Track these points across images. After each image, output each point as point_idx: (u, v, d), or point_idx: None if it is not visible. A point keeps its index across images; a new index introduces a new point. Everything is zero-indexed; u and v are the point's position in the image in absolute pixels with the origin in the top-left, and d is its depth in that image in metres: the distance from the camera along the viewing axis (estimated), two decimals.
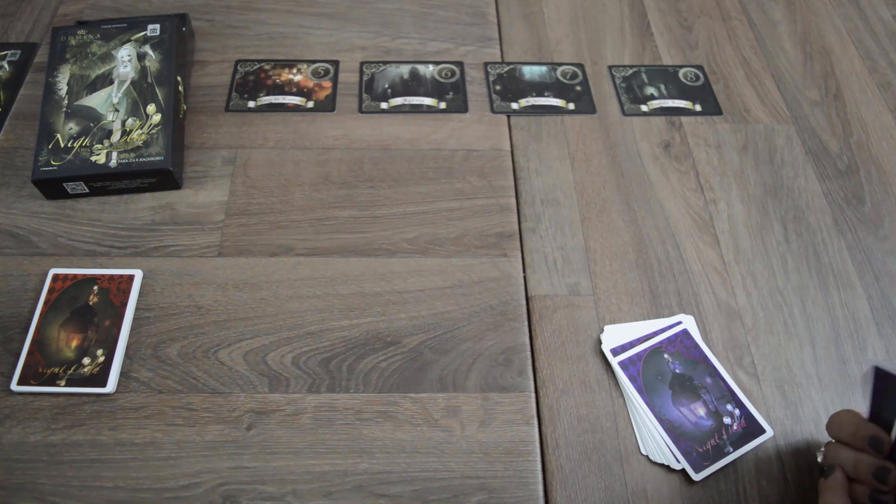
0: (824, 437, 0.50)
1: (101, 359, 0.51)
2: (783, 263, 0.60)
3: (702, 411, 0.50)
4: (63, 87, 0.62)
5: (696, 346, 0.53)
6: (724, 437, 0.49)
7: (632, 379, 0.51)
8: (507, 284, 0.57)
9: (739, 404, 0.51)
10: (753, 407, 0.51)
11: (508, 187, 0.63)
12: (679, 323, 0.54)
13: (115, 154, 0.59)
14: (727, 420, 0.50)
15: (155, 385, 0.51)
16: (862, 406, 0.51)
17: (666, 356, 0.53)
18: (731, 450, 0.49)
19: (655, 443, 0.49)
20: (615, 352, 0.52)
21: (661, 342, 0.53)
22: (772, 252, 0.60)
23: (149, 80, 0.63)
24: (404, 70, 0.72)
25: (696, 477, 0.48)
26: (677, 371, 0.52)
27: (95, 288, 0.54)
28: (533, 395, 0.52)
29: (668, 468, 0.49)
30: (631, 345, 0.53)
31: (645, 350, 0.53)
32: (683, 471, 0.48)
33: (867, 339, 0.55)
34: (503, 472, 0.48)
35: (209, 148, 0.65)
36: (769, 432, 0.50)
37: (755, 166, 0.66)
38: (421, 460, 0.48)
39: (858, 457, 0.41)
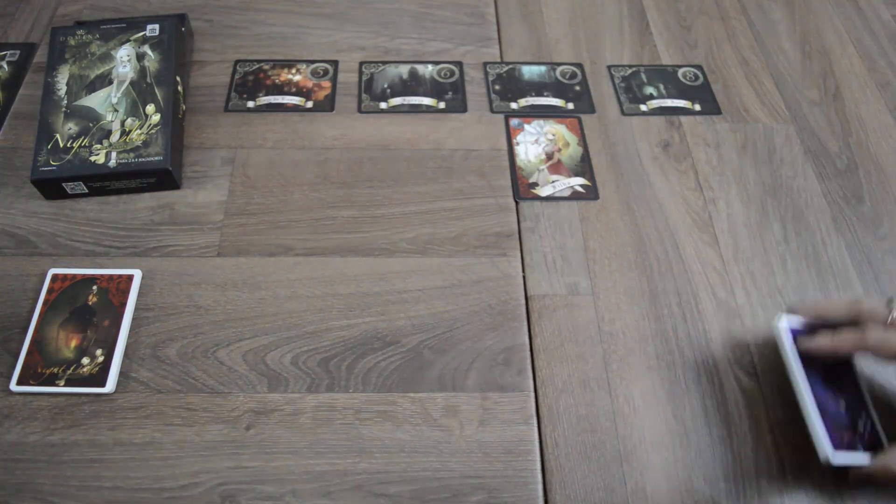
0: None
1: (101, 359, 0.51)
2: (782, 263, 0.60)
3: (842, 407, 0.48)
4: (62, 88, 0.62)
5: None
6: (857, 440, 0.47)
7: (791, 348, 0.49)
8: (507, 284, 0.57)
9: (869, 417, 0.49)
10: (879, 423, 0.49)
11: (507, 187, 0.63)
12: None
13: (114, 154, 0.59)
14: (861, 427, 0.48)
15: (154, 385, 0.51)
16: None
17: None
18: (863, 451, 0.46)
19: (805, 410, 0.48)
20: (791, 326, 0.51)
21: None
22: (771, 251, 0.60)
23: (148, 80, 0.63)
24: (403, 70, 0.72)
25: (833, 458, 0.45)
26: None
27: (94, 288, 0.54)
28: (532, 394, 0.52)
29: (668, 467, 0.49)
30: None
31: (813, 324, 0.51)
32: (685, 471, 0.48)
33: None
34: (502, 471, 0.48)
35: (208, 148, 0.65)
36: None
37: (754, 166, 0.66)
38: (420, 460, 0.48)
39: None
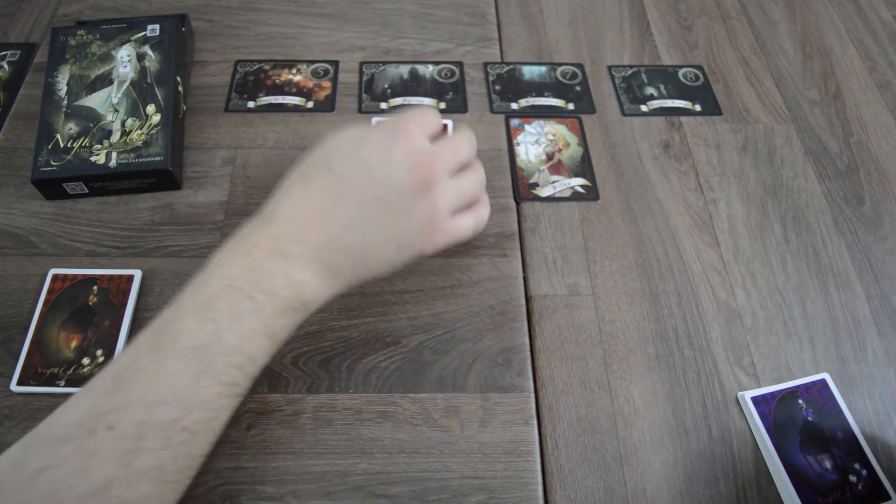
0: None
1: (101, 359, 0.51)
2: (783, 263, 0.60)
3: (828, 464, 0.49)
4: (62, 88, 0.62)
5: (833, 398, 0.52)
6: (848, 494, 0.48)
7: (762, 417, 0.50)
8: (507, 284, 0.57)
9: (868, 465, 0.49)
10: (882, 472, 0.49)
11: (508, 187, 0.63)
12: (820, 376, 0.53)
13: (114, 154, 0.59)
14: (853, 478, 0.49)
15: None
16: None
17: (800, 402, 0.52)
18: None
19: (781, 482, 0.48)
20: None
21: (797, 386, 0.52)
22: (771, 252, 0.60)
23: (148, 80, 0.63)
24: (404, 70, 0.72)
25: None
26: (809, 419, 0.51)
27: (95, 288, 0.54)
28: (532, 395, 0.52)
29: (668, 467, 0.49)
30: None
31: (780, 391, 0.52)
32: (685, 471, 0.48)
33: (867, 339, 0.55)
34: (503, 472, 0.48)
35: (209, 148, 0.65)
36: (894, 500, 0.48)
37: (755, 166, 0.66)
38: (420, 460, 0.48)
39: None
